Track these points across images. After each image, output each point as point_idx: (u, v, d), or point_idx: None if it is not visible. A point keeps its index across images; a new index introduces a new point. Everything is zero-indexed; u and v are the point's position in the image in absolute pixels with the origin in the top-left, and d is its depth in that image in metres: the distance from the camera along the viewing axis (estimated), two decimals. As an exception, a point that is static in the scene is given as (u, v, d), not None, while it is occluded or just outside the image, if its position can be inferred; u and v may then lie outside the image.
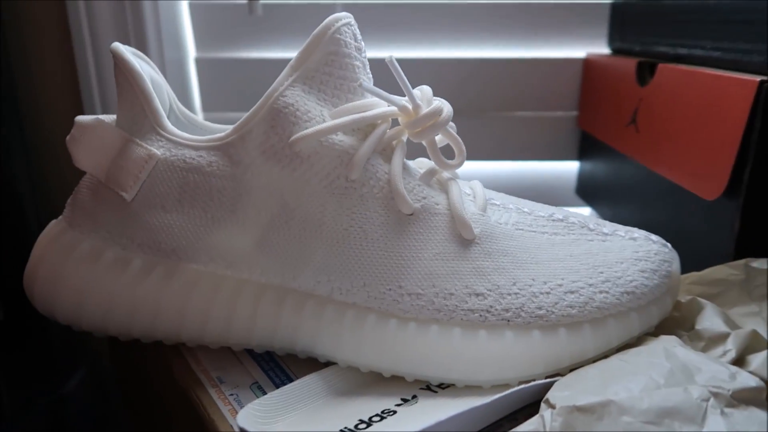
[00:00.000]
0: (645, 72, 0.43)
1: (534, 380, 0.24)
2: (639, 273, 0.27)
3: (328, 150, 0.25)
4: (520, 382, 0.24)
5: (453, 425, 0.20)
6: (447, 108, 0.27)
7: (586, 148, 0.55)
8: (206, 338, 0.27)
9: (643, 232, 0.30)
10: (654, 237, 0.29)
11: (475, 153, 0.54)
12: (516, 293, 0.25)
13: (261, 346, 0.27)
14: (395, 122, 0.28)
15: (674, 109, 0.37)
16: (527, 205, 0.30)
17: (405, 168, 0.27)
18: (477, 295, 0.25)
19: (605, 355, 0.25)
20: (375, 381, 0.26)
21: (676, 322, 0.29)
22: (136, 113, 0.27)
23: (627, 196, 0.46)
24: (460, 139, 0.28)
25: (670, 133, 0.38)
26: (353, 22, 0.27)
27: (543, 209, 0.29)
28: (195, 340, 0.27)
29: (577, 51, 0.54)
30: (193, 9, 0.50)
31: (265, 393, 0.25)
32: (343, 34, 0.26)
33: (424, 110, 0.27)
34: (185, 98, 0.52)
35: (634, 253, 0.28)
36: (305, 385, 0.25)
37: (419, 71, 0.52)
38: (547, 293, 0.25)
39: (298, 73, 0.26)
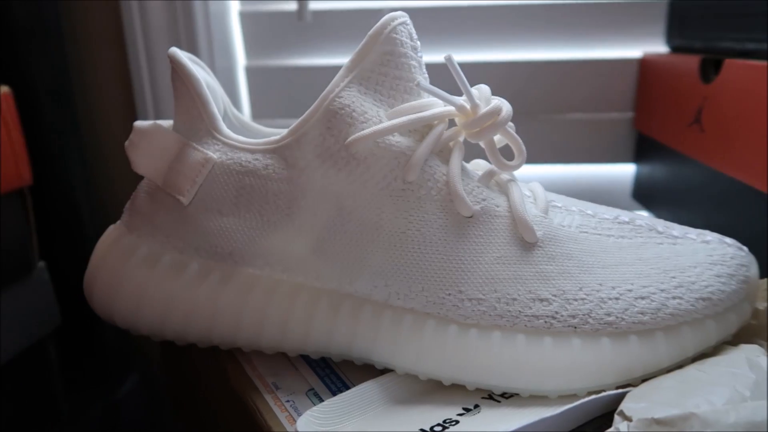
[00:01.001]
0: (709, 69, 0.41)
1: (604, 391, 0.23)
2: (715, 278, 0.25)
3: (384, 151, 0.25)
4: (589, 393, 0.23)
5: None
6: (506, 107, 0.26)
7: (643, 150, 0.53)
8: (262, 343, 0.26)
9: (716, 235, 0.28)
10: (728, 240, 0.28)
11: (529, 156, 0.53)
12: (583, 299, 0.24)
13: (317, 351, 0.26)
14: (452, 123, 0.27)
15: (744, 106, 0.35)
16: (590, 207, 0.28)
17: (463, 169, 0.26)
18: (541, 300, 0.24)
19: (680, 365, 0.24)
20: (435, 389, 0.25)
21: (754, 331, 0.27)
22: (193, 118, 0.27)
23: (690, 199, 0.44)
24: (519, 140, 0.27)
25: (739, 132, 0.36)
26: (409, 21, 0.27)
27: (607, 211, 0.28)
28: (251, 345, 0.27)
29: (633, 50, 0.52)
30: (244, 18, 0.51)
31: (321, 400, 0.24)
32: (399, 34, 0.26)
33: (483, 109, 0.26)
34: (235, 106, 0.52)
35: (708, 257, 0.26)
36: (363, 392, 0.24)
37: (471, 74, 0.50)
38: (616, 299, 0.24)
39: (354, 74, 0.25)
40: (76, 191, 0.43)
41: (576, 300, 0.24)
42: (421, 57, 0.27)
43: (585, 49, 0.52)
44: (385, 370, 0.26)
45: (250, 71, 0.52)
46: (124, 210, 0.28)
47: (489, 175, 0.27)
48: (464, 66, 0.50)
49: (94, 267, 0.27)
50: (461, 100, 0.26)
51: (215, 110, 0.27)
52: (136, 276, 0.26)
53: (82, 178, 0.43)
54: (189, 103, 0.27)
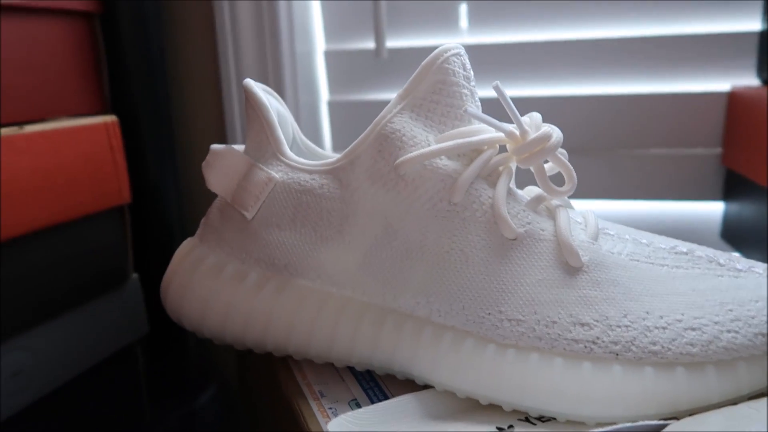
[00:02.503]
0: (798, 101, 0.38)
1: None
2: (778, 313, 0.24)
3: (431, 173, 0.26)
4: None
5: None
6: (556, 134, 0.27)
7: (732, 187, 0.50)
8: (311, 352, 0.28)
9: (787, 271, 0.26)
10: (800, 276, 0.26)
11: (613, 191, 0.52)
12: (627, 326, 0.23)
13: (361, 363, 0.27)
14: (504, 150, 0.28)
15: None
16: (646, 236, 0.28)
17: (511, 193, 0.27)
18: (582, 324, 0.24)
19: (733, 403, 0.23)
20: (471, 408, 0.25)
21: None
22: (261, 141, 0.29)
23: None
24: (570, 166, 0.27)
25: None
26: (463, 52, 0.28)
27: (665, 242, 0.27)
28: (301, 354, 0.28)
29: (721, 83, 0.50)
30: (328, 56, 0.54)
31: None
32: (451, 64, 0.27)
33: (532, 135, 0.27)
34: (317, 139, 0.56)
35: (772, 292, 0.25)
36: (400, 404, 0.25)
37: (550, 109, 0.51)
38: (664, 328, 0.23)
39: (407, 101, 0.27)
40: (170, 211, 0.47)
41: (620, 327, 0.23)
42: (474, 86, 0.28)
43: (671, 82, 0.51)
44: (426, 386, 0.26)
45: (332, 106, 0.55)
46: (200, 224, 0.31)
47: (537, 200, 0.27)
48: (545, 100, 0.51)
49: (170, 273, 0.30)
50: (511, 127, 0.27)
51: (281, 135, 0.29)
52: (203, 283, 0.29)
53: (175, 199, 0.48)
54: (258, 128, 0.29)
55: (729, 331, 0.23)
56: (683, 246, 0.27)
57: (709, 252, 0.27)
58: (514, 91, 0.52)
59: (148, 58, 0.45)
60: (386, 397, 0.26)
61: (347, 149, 0.28)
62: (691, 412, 0.22)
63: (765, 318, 0.24)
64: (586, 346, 0.23)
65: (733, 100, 0.49)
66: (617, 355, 0.23)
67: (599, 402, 0.23)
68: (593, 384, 0.23)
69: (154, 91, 0.46)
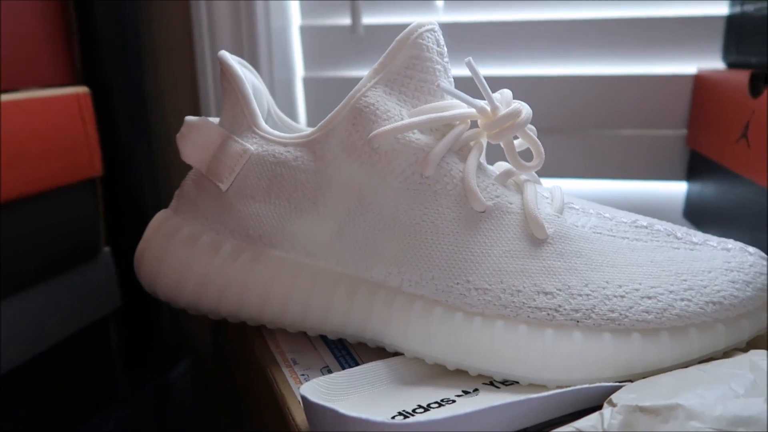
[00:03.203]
0: (759, 82, 0.40)
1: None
2: (729, 283, 0.25)
3: (404, 147, 0.26)
4: (588, 386, 0.23)
5: (505, 414, 0.20)
6: (526, 110, 0.28)
7: (695, 167, 0.52)
8: (285, 321, 0.28)
9: (739, 244, 0.28)
10: (751, 249, 0.27)
11: (580, 171, 0.53)
12: (587, 294, 0.24)
13: (334, 332, 0.28)
14: (476, 125, 0.29)
15: (788, 120, 0.35)
16: (609, 211, 0.29)
17: (481, 168, 0.28)
18: (546, 293, 0.25)
19: (684, 366, 0.24)
20: (439, 374, 0.26)
21: (777, 343, 0.27)
22: (236, 113, 0.30)
23: (738, 218, 0.43)
24: (539, 142, 0.28)
25: (782, 146, 0.35)
26: (437, 28, 0.29)
27: (627, 216, 0.29)
28: (275, 323, 0.29)
29: (689, 67, 0.51)
30: (303, 31, 0.54)
31: (334, 377, 0.26)
32: (425, 39, 0.28)
33: (502, 111, 0.27)
34: (292, 115, 0.56)
35: (725, 263, 0.26)
36: (371, 370, 0.25)
37: (521, 88, 0.51)
38: (622, 297, 0.24)
39: (381, 75, 0.27)
40: (144, 183, 0.47)
41: (581, 295, 0.24)
42: (447, 62, 0.29)
43: (640, 64, 0.52)
44: (396, 354, 0.27)
45: (308, 82, 0.55)
46: (174, 195, 0.31)
47: (506, 175, 0.28)
48: (516, 80, 0.51)
49: (144, 244, 0.30)
50: (483, 102, 0.28)
51: (256, 108, 0.29)
52: (178, 254, 0.29)
53: (149, 172, 0.48)
54: (234, 101, 0.30)
55: (682, 300, 0.24)
56: (644, 220, 0.28)
57: (668, 226, 0.28)
58: (488, 70, 0.53)
59: (121, 29, 0.45)
60: (357, 364, 0.27)
61: (322, 122, 0.28)
62: (645, 375, 0.24)
63: (716, 287, 0.25)
64: (548, 314, 0.24)
65: (699, 82, 0.51)
66: (578, 322, 0.24)
67: (560, 366, 0.24)
68: (554, 349, 0.24)
69: (128, 62, 0.46)
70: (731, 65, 0.48)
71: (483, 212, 0.26)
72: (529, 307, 0.24)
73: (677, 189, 0.54)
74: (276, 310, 0.28)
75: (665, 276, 0.25)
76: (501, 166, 0.30)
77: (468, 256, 0.26)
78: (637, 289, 0.25)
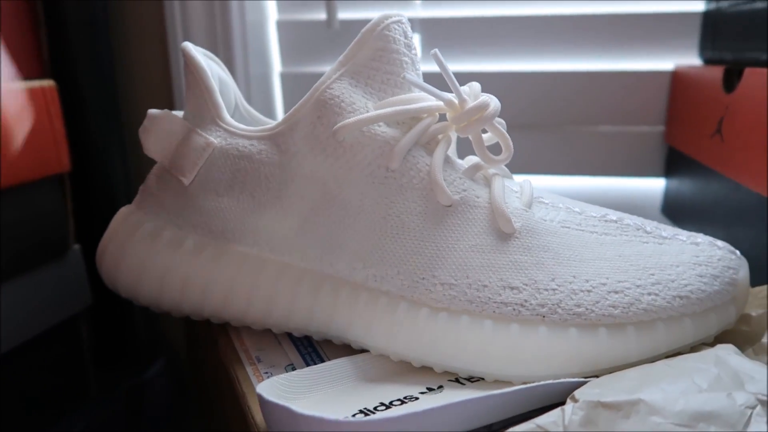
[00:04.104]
0: (733, 78, 0.40)
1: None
2: (696, 277, 0.25)
3: (370, 140, 0.26)
4: (554, 382, 0.23)
5: (467, 410, 0.20)
6: (494, 103, 0.27)
7: (673, 164, 0.52)
8: (249, 318, 0.28)
9: (708, 238, 0.27)
10: (720, 243, 0.27)
11: (557, 167, 0.53)
12: (554, 289, 0.24)
13: (298, 329, 0.27)
14: (445, 119, 0.28)
15: (761, 115, 0.35)
16: (579, 205, 0.28)
17: (448, 161, 0.27)
18: (512, 288, 0.24)
19: (651, 361, 0.24)
20: (405, 371, 0.25)
21: (745, 337, 0.27)
22: (200, 106, 0.29)
23: (713, 213, 0.43)
24: (507, 136, 0.28)
25: (756, 142, 0.35)
26: (405, 20, 0.28)
27: (596, 210, 0.28)
28: (239, 320, 0.28)
29: (666, 63, 0.51)
30: (280, 26, 0.54)
31: (299, 375, 0.26)
32: (392, 31, 0.27)
33: (470, 104, 0.27)
34: (269, 110, 0.55)
35: (693, 257, 0.26)
36: (334, 367, 0.25)
37: (497, 84, 0.51)
38: (588, 291, 0.24)
39: (346, 67, 0.27)
40: (115, 179, 0.46)
41: (547, 290, 0.24)
42: (415, 54, 0.28)
43: (617, 60, 0.52)
44: (362, 351, 0.27)
45: (285, 77, 0.54)
46: (138, 191, 0.30)
47: (474, 169, 0.27)
48: (494, 76, 0.51)
49: (106, 240, 0.29)
50: (450, 95, 0.27)
51: (220, 100, 0.29)
52: (139, 249, 0.28)
53: (120, 168, 0.47)
54: (197, 93, 0.29)
55: (649, 294, 0.24)
56: (613, 214, 0.28)
57: (637, 220, 0.28)
58: (465, 66, 0.52)
59: (90, 20, 0.44)
60: (322, 362, 0.27)
61: (286, 114, 0.27)
62: (612, 371, 0.23)
63: (684, 281, 0.25)
64: (514, 309, 0.24)
65: (676, 79, 0.51)
66: (544, 317, 0.24)
67: (526, 362, 0.23)
68: (520, 345, 0.23)
69: (98, 56, 0.45)
70: (707, 61, 0.48)
71: (449, 206, 0.26)
72: (495, 302, 0.24)
73: (655, 185, 0.54)
74: (239, 306, 0.28)
75: (633, 270, 0.25)
76: (470, 160, 0.30)
77: (434, 251, 0.25)
78: (604, 284, 0.24)
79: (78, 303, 0.44)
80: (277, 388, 0.23)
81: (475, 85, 0.28)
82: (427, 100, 0.27)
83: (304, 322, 0.27)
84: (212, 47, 0.50)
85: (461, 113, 0.27)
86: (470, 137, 0.28)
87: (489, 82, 0.51)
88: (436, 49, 0.27)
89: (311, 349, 0.28)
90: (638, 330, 0.24)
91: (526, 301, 0.24)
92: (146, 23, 0.51)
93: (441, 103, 0.27)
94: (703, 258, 0.26)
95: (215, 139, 0.28)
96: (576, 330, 0.23)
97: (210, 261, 0.27)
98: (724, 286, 0.25)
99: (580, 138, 0.52)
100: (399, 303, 0.25)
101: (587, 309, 0.24)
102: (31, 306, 0.40)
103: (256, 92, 0.53)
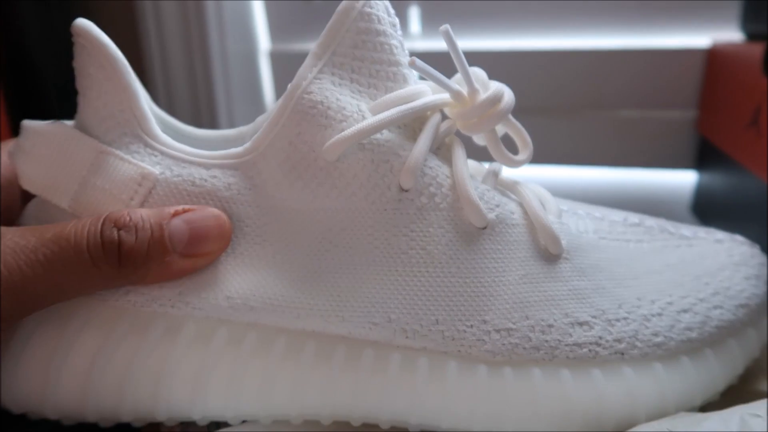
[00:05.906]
0: (774, 58, 0.32)
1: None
2: (745, 280, 0.23)
3: (371, 155, 0.19)
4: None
5: None
6: (507, 93, 0.22)
7: (705, 155, 0.43)
8: (228, 413, 0.20)
9: (724, 233, 0.25)
10: (739, 237, 0.25)
11: (574, 157, 0.45)
12: (625, 318, 0.20)
13: (303, 415, 0.20)
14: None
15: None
16: (592, 208, 0.25)
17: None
18: (581, 324, 0.20)
19: (735, 385, 0.21)
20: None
21: None
22: (110, 115, 0.20)
23: (745, 215, 0.36)
24: (524, 130, 0.23)
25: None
26: (386, -7, 0.22)
27: (613, 213, 0.25)
28: (214, 416, 0.20)
29: (701, 38, 0.42)
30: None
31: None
32: (374, 8, 0.21)
33: (482, 96, 0.21)
34: (256, 95, 0.44)
35: (729, 258, 0.23)
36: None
37: (505, 63, 0.42)
38: (659, 315, 0.21)
39: (324, 60, 0.20)
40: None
41: (618, 321, 0.20)
42: (401, 35, 0.22)
43: (643, 35, 0.43)
44: None
45: (274, 56, 0.43)
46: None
47: (493, 175, 0.22)
48: (499, 54, 0.41)
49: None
50: (457, 85, 0.22)
51: (146, 107, 0.20)
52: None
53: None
54: (106, 97, 0.20)
55: (716, 308, 0.21)
56: (633, 217, 0.25)
57: (654, 221, 0.25)
58: (464, 43, 0.41)
59: (50, 18, 0.32)
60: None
61: (256, 135, 0.20)
62: (702, 407, 0.20)
63: (738, 287, 0.22)
64: (590, 350, 0.19)
65: (713, 57, 0.42)
66: (623, 354, 0.20)
67: (616, 414, 0.19)
68: (606, 394, 0.19)
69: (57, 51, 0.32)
70: (751, 36, 0.38)
71: (484, 228, 0.20)
72: (566, 344, 0.19)
73: (685, 179, 0.46)
74: (214, 400, 0.19)
75: (689, 282, 0.22)
76: (473, 164, 0.24)
77: (478, 289, 0.20)
78: (670, 303, 0.21)
79: None
80: None
81: (480, 72, 0.22)
82: (425, 93, 0.21)
83: (313, 404, 0.20)
84: (184, 23, 0.38)
85: (471, 108, 0.21)
86: (480, 136, 0.22)
87: (494, 61, 0.42)
88: (447, 25, 0.21)
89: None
90: (715, 351, 0.21)
91: (600, 338, 0.20)
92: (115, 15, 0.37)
93: (446, 95, 0.21)
94: (738, 257, 0.24)
95: (152, 167, 0.19)
96: (660, 365, 0.20)
97: (160, 341, 0.19)
98: (765, 285, 0.23)
99: (598, 124, 0.44)
100: (446, 363, 0.19)
101: (666, 337, 0.20)
102: None
103: (238, 73, 0.41)
